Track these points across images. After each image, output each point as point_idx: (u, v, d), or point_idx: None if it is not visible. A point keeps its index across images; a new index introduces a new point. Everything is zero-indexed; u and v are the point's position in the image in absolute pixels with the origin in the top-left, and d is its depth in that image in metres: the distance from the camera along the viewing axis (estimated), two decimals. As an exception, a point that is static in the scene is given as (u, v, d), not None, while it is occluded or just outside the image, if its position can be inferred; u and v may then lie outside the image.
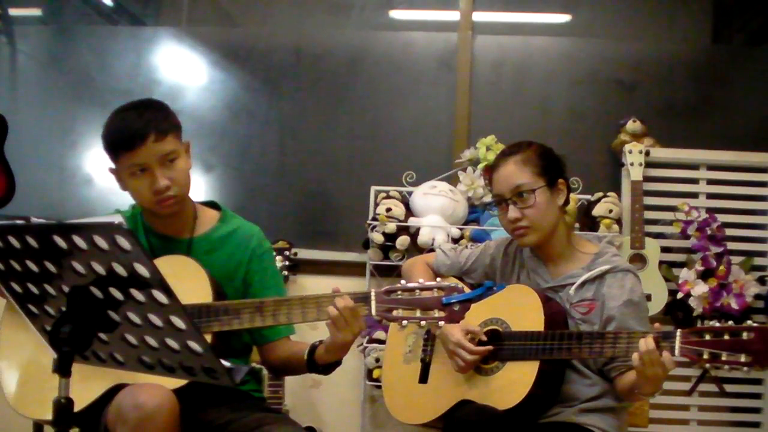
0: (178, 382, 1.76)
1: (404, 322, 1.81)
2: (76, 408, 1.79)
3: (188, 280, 1.94)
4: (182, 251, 2.06)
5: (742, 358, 1.76)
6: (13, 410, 1.93)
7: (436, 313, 1.80)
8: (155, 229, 2.11)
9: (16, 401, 1.95)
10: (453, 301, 1.78)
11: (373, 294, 1.84)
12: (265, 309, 1.91)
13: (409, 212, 3.28)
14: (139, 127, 1.94)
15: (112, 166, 2.03)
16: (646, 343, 1.84)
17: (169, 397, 1.75)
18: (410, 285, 1.83)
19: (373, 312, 1.83)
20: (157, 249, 2.08)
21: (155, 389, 1.74)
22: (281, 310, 1.91)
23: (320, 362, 1.96)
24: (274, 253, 2.57)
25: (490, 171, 2.27)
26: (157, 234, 2.11)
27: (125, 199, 2.13)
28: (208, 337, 1.88)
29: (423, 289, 1.82)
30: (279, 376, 2.71)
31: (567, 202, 2.24)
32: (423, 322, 1.82)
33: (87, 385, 1.83)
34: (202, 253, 2.07)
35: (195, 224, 2.12)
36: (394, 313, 1.82)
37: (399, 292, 1.83)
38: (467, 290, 1.82)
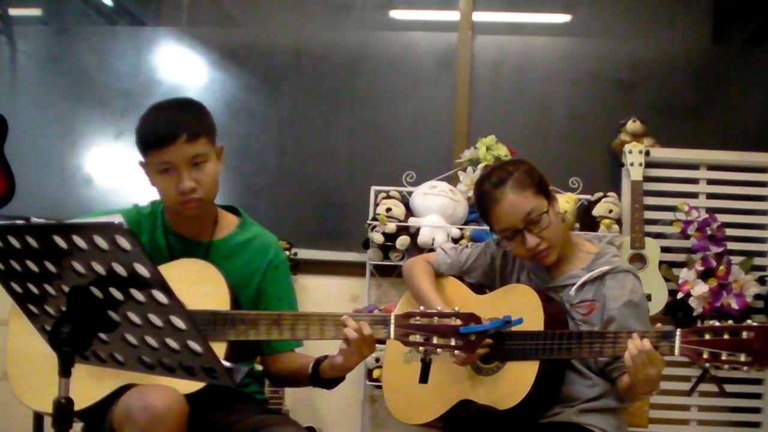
0: (190, 387, 1.76)
1: (420, 348, 1.84)
2: (83, 404, 1.81)
3: (207, 285, 1.94)
4: (200, 254, 2.05)
5: (742, 358, 1.76)
6: (17, 399, 1.94)
7: (453, 342, 1.81)
8: (175, 229, 2.10)
9: (20, 391, 1.95)
10: (470, 331, 1.80)
11: (392, 318, 1.87)
12: (283, 322, 1.93)
13: (409, 212, 3.28)
14: (172, 127, 1.93)
15: (142, 159, 2.02)
16: (635, 345, 1.85)
17: (178, 399, 1.74)
18: (429, 311, 1.85)
19: (392, 336, 1.87)
20: (175, 249, 2.08)
21: (164, 391, 1.73)
22: (299, 325, 1.93)
23: (324, 377, 1.98)
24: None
25: (484, 209, 2.20)
26: (176, 234, 2.10)
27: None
28: (223, 345, 1.89)
29: (442, 315, 1.83)
30: (279, 386, 2.70)
31: None
32: (439, 350, 1.83)
33: (97, 383, 1.83)
34: (219, 257, 2.06)
35: (215, 228, 2.11)
36: (411, 338, 1.84)
37: (417, 318, 1.85)
38: (485, 321, 1.84)
